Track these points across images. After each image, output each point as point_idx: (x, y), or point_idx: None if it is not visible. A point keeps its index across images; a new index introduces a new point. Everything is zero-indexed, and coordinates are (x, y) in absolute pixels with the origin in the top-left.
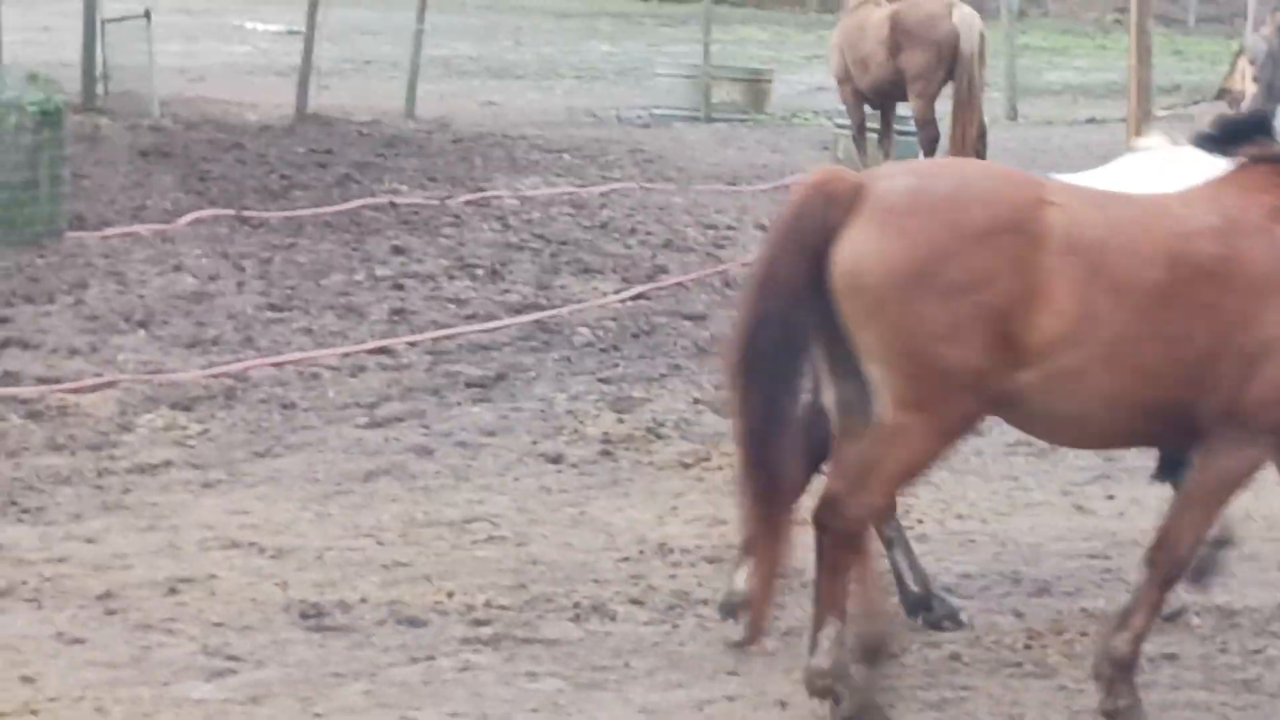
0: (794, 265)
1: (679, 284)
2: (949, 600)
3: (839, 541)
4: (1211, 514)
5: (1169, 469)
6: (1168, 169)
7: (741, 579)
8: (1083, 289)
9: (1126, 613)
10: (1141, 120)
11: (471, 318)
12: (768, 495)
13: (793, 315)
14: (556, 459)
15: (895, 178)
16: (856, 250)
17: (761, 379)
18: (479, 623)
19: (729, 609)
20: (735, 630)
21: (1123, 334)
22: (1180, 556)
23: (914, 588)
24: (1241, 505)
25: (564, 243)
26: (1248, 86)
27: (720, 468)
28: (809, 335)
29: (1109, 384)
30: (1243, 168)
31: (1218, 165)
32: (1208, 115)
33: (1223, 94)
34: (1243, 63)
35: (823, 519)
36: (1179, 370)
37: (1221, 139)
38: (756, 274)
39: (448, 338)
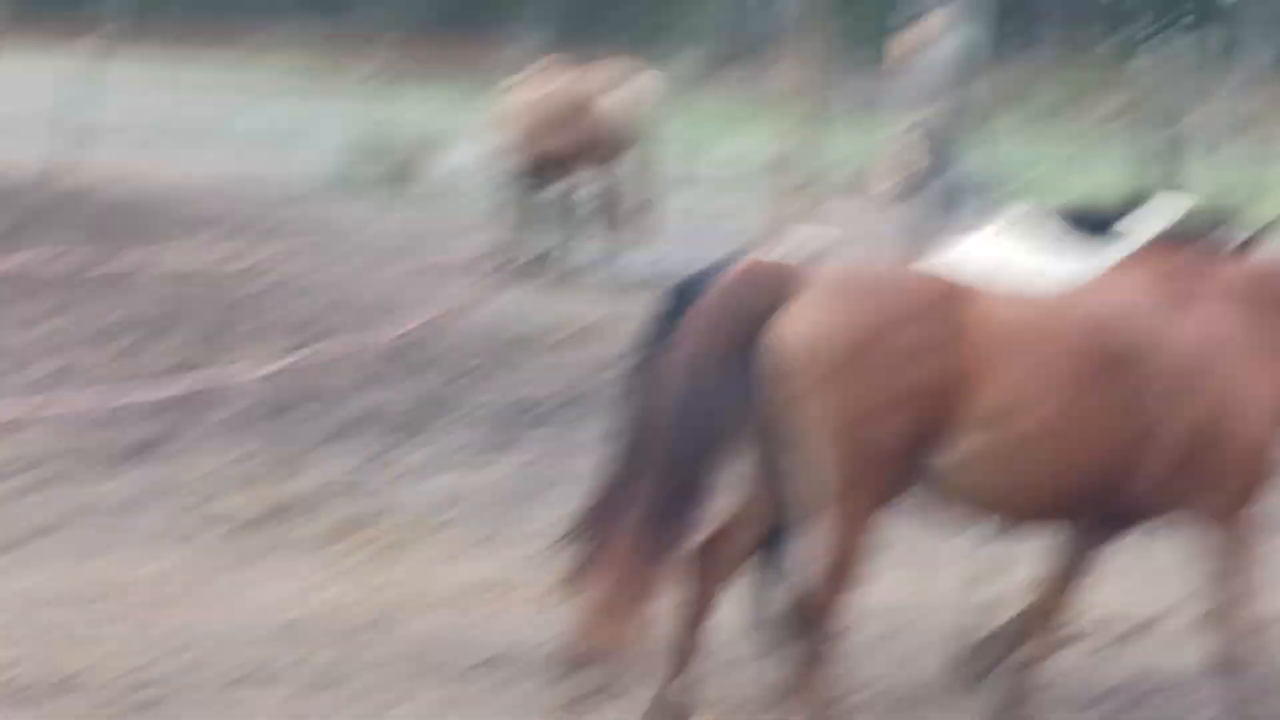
0: (723, 351)
1: (335, 353)
2: None
3: (814, 644)
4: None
5: None
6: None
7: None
8: (1005, 373)
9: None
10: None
11: (121, 383)
12: (655, 572)
13: (719, 400)
14: (201, 529)
15: (828, 264)
16: (788, 333)
17: (682, 463)
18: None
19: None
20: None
21: (1046, 416)
22: (1234, 639)
23: None
24: None
25: (216, 309)
26: (890, 174)
27: (371, 541)
28: (735, 420)
29: (1036, 465)
30: (1144, 252)
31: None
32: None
33: (862, 181)
34: (890, 149)
35: (806, 624)
36: (1104, 454)
37: (1083, 222)
38: (683, 354)
39: (89, 405)
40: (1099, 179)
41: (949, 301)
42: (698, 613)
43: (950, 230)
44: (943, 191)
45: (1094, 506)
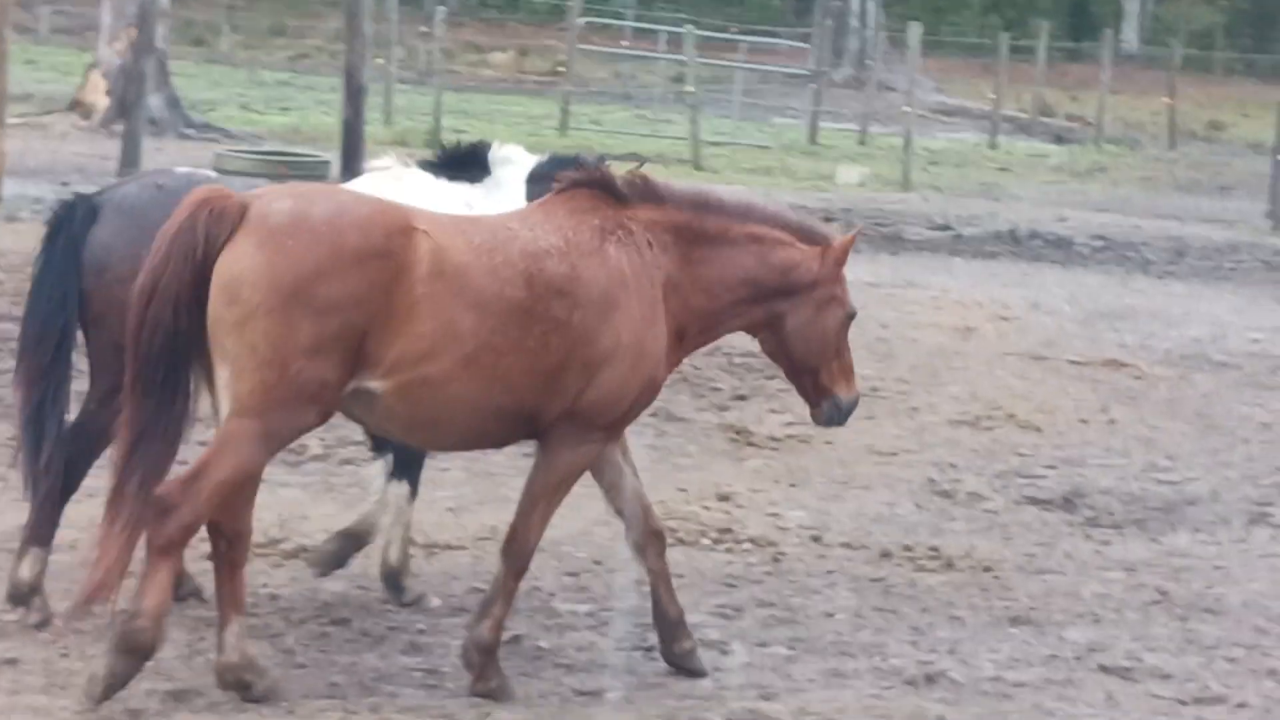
0: (179, 275)
1: None
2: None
3: (161, 544)
4: (555, 504)
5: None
6: (397, 187)
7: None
8: (446, 307)
9: (488, 603)
10: None
11: None
12: (139, 493)
13: (177, 323)
14: None
15: (277, 199)
16: (239, 263)
17: (150, 385)
18: None
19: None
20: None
21: (484, 346)
22: (529, 548)
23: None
24: None
25: None
26: (100, 99)
27: None
28: (193, 342)
29: (470, 392)
30: (565, 191)
31: (439, 185)
32: (59, 124)
33: (75, 105)
34: (95, 75)
35: (151, 521)
36: (533, 379)
37: (442, 164)
38: (143, 283)
39: None
40: (301, 112)
41: (397, 239)
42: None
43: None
44: (138, 120)
45: (518, 429)
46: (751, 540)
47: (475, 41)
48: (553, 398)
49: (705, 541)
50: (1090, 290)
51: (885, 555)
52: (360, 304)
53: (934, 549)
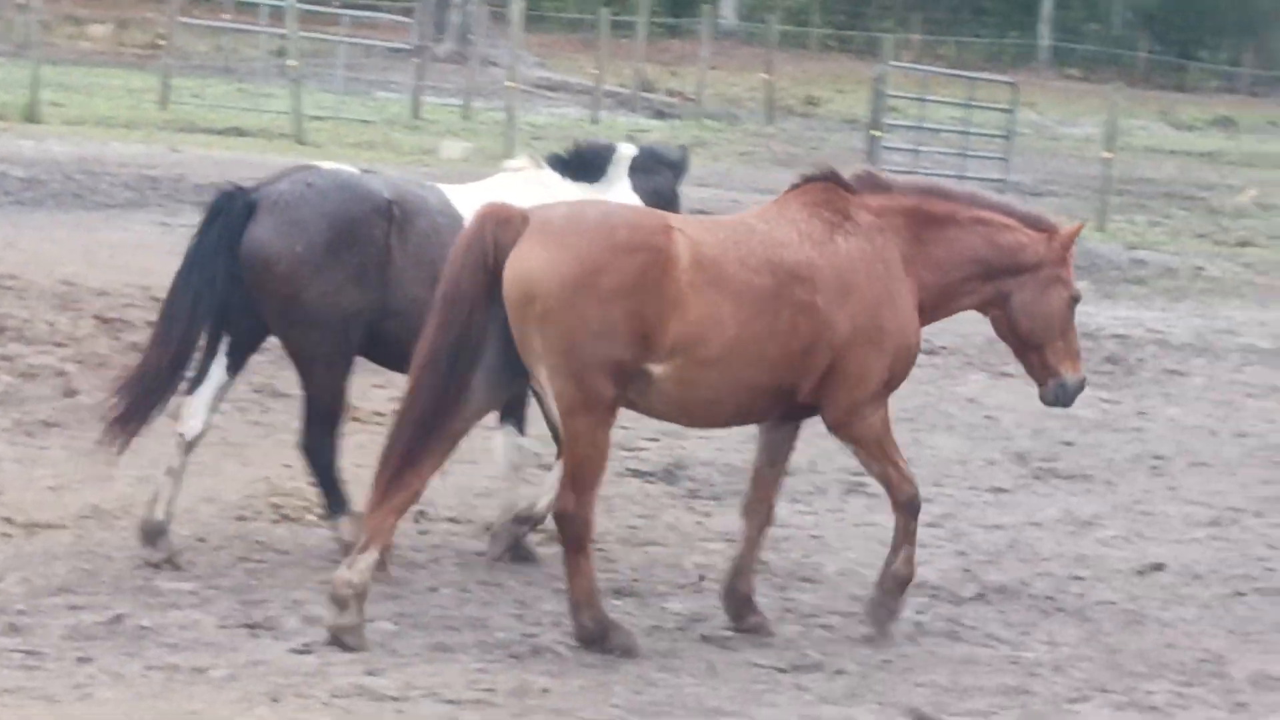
0: (474, 279)
1: None
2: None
3: (575, 546)
4: (895, 453)
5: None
6: (532, 188)
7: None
8: (708, 296)
9: (895, 547)
10: None
11: None
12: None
13: (472, 324)
14: None
15: (554, 208)
16: (527, 262)
17: (436, 378)
18: None
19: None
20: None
21: (743, 330)
22: (911, 492)
23: (159, 516)
24: None
25: None
26: None
27: None
28: (480, 345)
29: (735, 373)
30: (799, 187)
31: (564, 184)
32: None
33: None
34: None
35: (563, 529)
36: (788, 358)
37: (574, 164)
38: (442, 290)
39: None
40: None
41: (659, 234)
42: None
43: None
44: None
45: (778, 406)
46: None
47: (74, 14)
48: (805, 375)
49: (310, 518)
50: None
51: (489, 529)
52: (636, 291)
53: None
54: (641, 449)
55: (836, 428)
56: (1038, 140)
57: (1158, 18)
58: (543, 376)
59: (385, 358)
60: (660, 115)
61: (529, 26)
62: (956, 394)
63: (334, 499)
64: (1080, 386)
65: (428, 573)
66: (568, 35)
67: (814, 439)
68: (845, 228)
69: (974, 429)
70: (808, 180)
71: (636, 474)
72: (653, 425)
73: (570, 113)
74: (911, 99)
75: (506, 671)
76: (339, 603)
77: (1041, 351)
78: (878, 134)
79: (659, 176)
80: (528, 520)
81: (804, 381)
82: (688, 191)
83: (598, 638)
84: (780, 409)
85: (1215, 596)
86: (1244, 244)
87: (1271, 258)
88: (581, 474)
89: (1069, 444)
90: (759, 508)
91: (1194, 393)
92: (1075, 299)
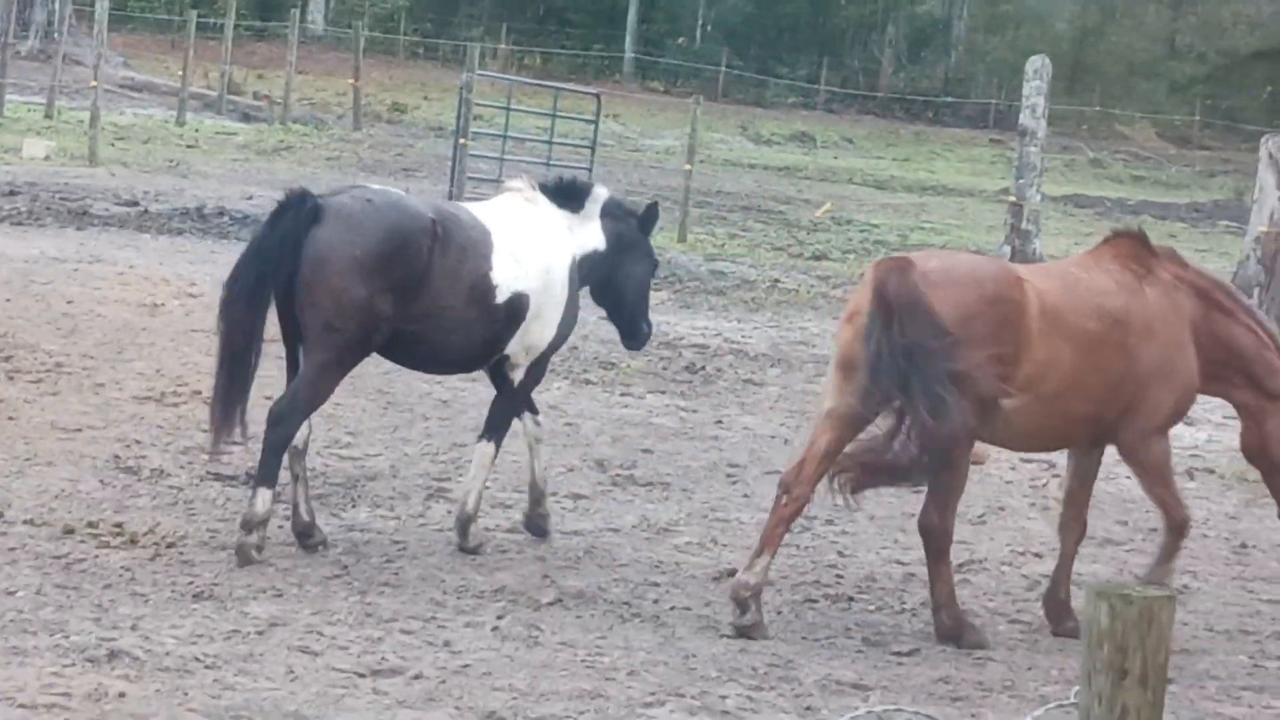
0: (883, 319)
1: None
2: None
3: (933, 553)
4: (1172, 481)
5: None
6: (528, 205)
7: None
8: (1052, 338)
9: (1159, 561)
10: None
11: None
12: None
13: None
14: None
15: (930, 260)
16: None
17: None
18: None
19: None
20: None
21: (1076, 368)
22: (1180, 513)
23: (305, 517)
24: None
25: None
26: None
27: None
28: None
29: (1068, 405)
30: (1111, 241)
31: (552, 209)
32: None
33: None
34: None
35: (927, 540)
36: (1105, 392)
37: (562, 193)
38: (857, 330)
39: None
40: None
41: (1018, 285)
42: None
43: None
44: None
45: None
46: None
47: None
48: (1114, 406)
49: None
50: None
51: (68, 532)
52: (997, 336)
53: (118, 525)
54: (223, 452)
55: (1128, 453)
56: (621, 151)
57: (739, 34)
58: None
59: (407, 356)
60: (247, 118)
61: (115, 26)
62: (538, 401)
63: (268, 471)
64: None
65: (4, 575)
66: (155, 36)
67: (396, 444)
68: (1150, 280)
69: (554, 436)
70: (1117, 235)
71: (218, 478)
72: None
73: (156, 114)
74: (498, 108)
75: (82, 675)
76: (741, 605)
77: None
78: (464, 142)
79: (622, 223)
80: (468, 518)
81: (1112, 411)
82: (272, 195)
83: (955, 634)
84: (1092, 435)
85: (787, 602)
86: (819, 257)
87: (845, 271)
88: (945, 491)
89: (648, 452)
90: (1074, 525)
91: (769, 402)
92: None
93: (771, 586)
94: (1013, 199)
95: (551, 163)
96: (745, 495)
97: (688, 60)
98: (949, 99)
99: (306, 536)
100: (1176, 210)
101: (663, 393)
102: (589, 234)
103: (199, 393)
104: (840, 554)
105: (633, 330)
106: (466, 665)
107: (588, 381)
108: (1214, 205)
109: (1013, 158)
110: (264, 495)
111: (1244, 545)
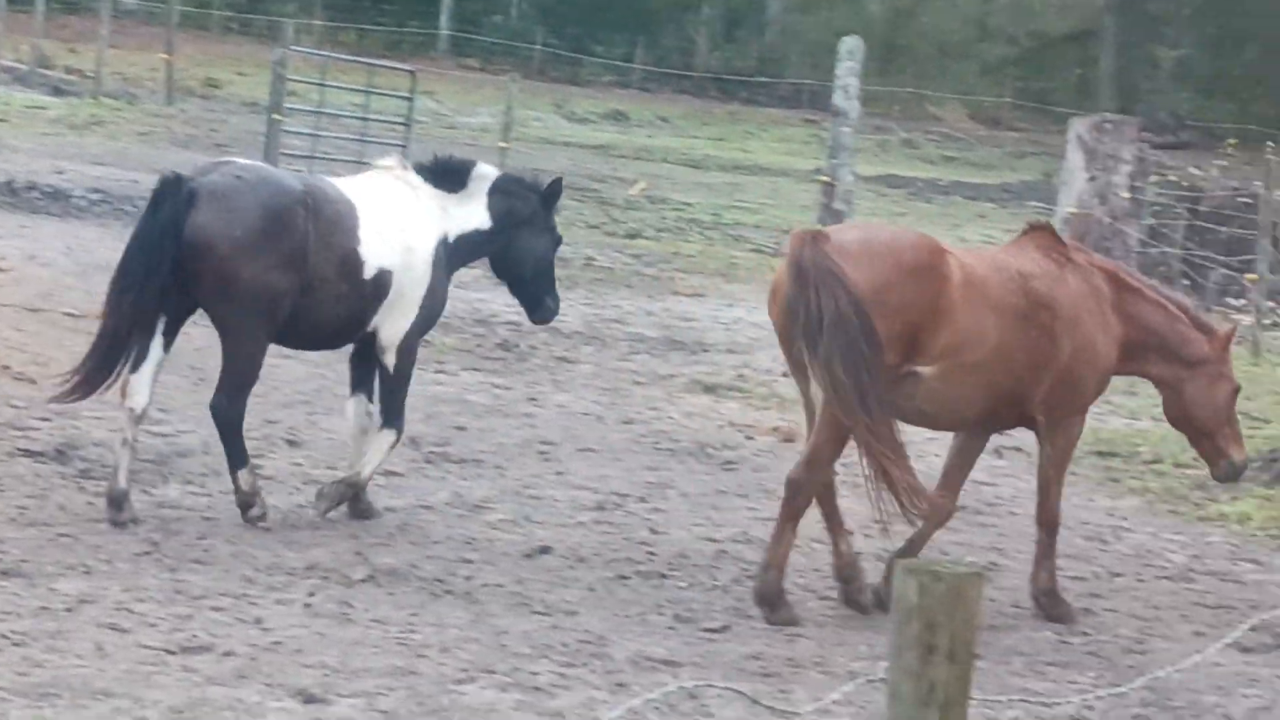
0: (803, 294)
1: None
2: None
3: (793, 511)
4: (1064, 474)
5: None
6: (396, 184)
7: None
8: (975, 309)
9: (1039, 560)
10: None
11: None
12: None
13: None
14: None
15: (848, 231)
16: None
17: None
18: None
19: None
20: None
21: (1001, 341)
22: (1056, 510)
23: (121, 484)
24: None
25: None
26: None
27: None
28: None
29: (990, 377)
30: (1029, 232)
31: (426, 188)
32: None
33: None
34: None
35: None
36: (1029, 370)
37: (432, 171)
38: (785, 306)
39: None
40: None
41: (935, 257)
42: None
43: None
44: None
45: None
46: None
47: None
48: (1037, 386)
49: None
50: (87, 243)
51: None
52: (915, 305)
53: None
54: (33, 428)
55: (1045, 432)
56: (436, 128)
57: (555, 12)
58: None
59: (292, 336)
60: (58, 92)
61: None
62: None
63: (235, 454)
64: (1245, 465)
65: None
66: None
67: (208, 420)
68: (1070, 267)
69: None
70: (1034, 227)
71: (27, 454)
72: (45, 405)
73: None
74: (312, 84)
75: None
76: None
77: (1213, 438)
78: (278, 118)
79: (519, 199)
80: (356, 485)
81: (1036, 390)
82: (83, 170)
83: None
84: (1013, 413)
85: (599, 579)
86: (633, 235)
87: (659, 250)
88: (815, 454)
89: (461, 429)
90: (949, 502)
91: (583, 380)
92: (1236, 391)
93: (584, 564)
94: (826, 179)
95: (366, 140)
96: (558, 472)
97: (503, 38)
98: (764, 79)
99: (118, 506)
100: (987, 191)
101: (477, 370)
102: (470, 213)
103: (7, 368)
104: (652, 531)
105: (536, 305)
106: (278, 642)
107: None
108: (1023, 186)
109: (826, 138)
110: (244, 475)
111: None
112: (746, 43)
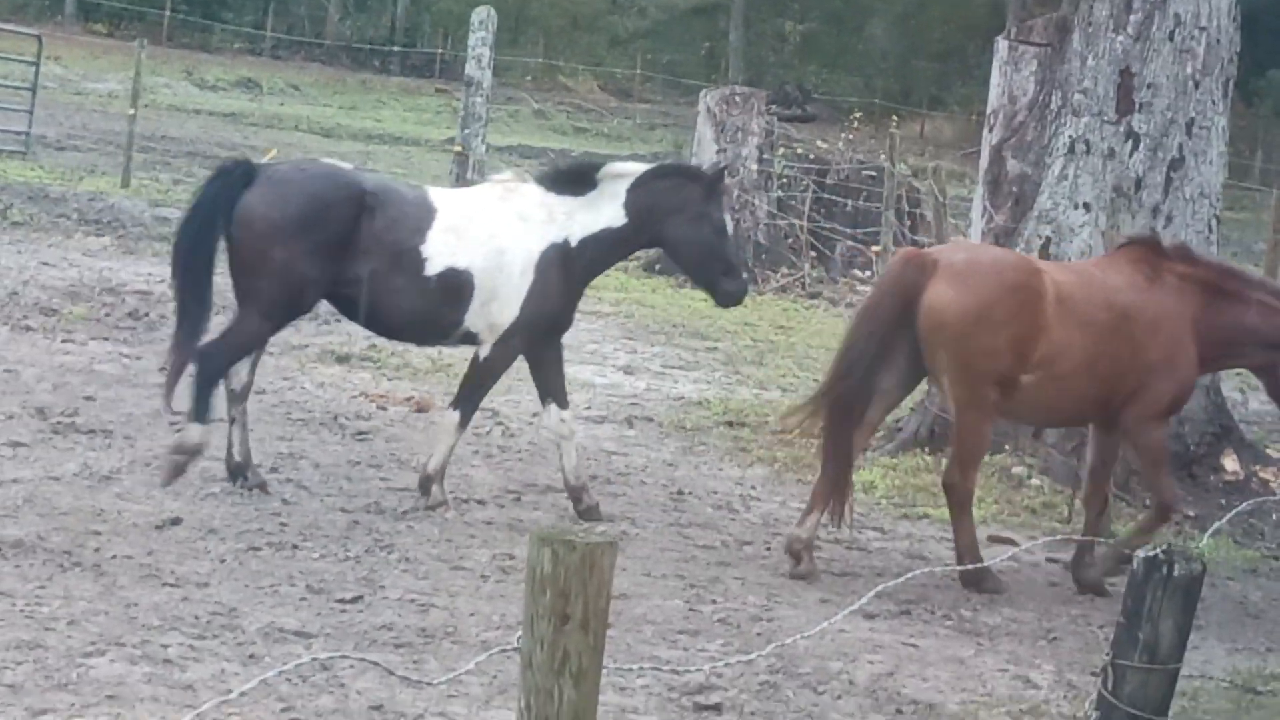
0: (891, 306)
1: None
2: (260, 473)
3: (957, 507)
4: (1166, 465)
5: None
6: (511, 198)
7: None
8: (1068, 324)
9: (1140, 530)
10: None
11: None
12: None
13: (883, 340)
14: None
15: (956, 253)
16: (940, 299)
17: (861, 368)
18: None
19: None
20: None
21: (1090, 352)
22: (1171, 496)
23: (237, 458)
24: None
25: None
26: None
27: None
28: (896, 349)
29: (1081, 384)
30: (1123, 246)
31: (547, 197)
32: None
33: None
34: None
35: (950, 495)
36: (1113, 377)
37: (560, 180)
38: (866, 306)
39: None
40: None
41: (1036, 276)
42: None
43: None
44: None
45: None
46: None
47: None
48: (1120, 392)
49: None
50: None
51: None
52: (1017, 320)
53: None
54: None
55: (1129, 435)
56: (63, 95)
57: None
58: (944, 383)
59: (356, 319)
60: None
61: None
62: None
63: (201, 407)
64: None
65: None
66: None
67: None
68: (1158, 282)
69: None
70: (1132, 241)
71: None
72: None
73: None
74: None
75: None
76: (794, 555)
77: None
78: None
79: (672, 191)
80: (430, 477)
81: (1117, 396)
82: None
83: (976, 580)
84: (1099, 416)
85: (230, 551)
86: None
87: None
88: (968, 454)
89: (90, 399)
90: (1096, 498)
91: None
92: None
93: (214, 535)
94: (458, 149)
95: None
96: None
97: (132, 3)
98: (396, 48)
99: (240, 475)
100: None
101: (105, 339)
102: (598, 214)
103: None
104: (285, 501)
105: (712, 289)
106: None
107: (28, 328)
108: (654, 157)
109: (458, 108)
110: (195, 429)
111: (680, 492)
112: (379, 12)
